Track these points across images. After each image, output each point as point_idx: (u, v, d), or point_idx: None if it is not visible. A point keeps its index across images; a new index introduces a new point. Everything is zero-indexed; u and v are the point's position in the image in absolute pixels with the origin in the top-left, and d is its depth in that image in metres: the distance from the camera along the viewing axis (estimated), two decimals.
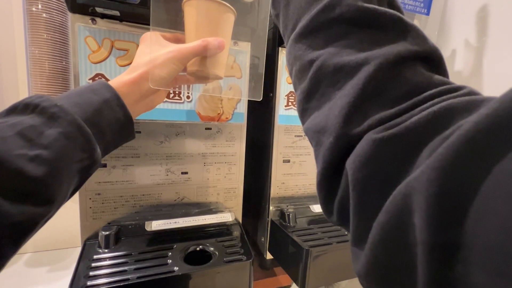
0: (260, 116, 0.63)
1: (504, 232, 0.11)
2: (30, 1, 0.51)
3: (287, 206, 0.61)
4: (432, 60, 0.20)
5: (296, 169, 0.62)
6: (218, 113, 0.53)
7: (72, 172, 0.29)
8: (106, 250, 0.44)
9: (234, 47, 0.51)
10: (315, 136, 0.22)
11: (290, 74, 0.27)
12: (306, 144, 0.62)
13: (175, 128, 0.51)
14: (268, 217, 0.61)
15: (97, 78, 0.44)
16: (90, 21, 0.42)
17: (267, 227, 0.61)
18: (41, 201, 0.26)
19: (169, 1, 0.39)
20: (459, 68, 0.62)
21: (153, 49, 0.36)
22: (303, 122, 0.25)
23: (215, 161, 0.55)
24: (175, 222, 0.51)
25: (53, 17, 0.53)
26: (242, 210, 0.60)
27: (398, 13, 0.21)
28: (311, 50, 0.23)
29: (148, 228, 0.49)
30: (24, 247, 0.26)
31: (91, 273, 0.39)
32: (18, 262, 0.64)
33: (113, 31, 0.44)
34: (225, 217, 0.55)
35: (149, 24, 0.37)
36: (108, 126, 0.32)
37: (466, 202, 0.13)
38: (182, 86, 0.50)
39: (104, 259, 0.42)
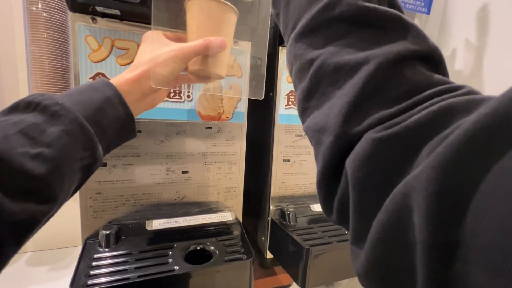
0: (261, 115, 0.63)
1: (504, 231, 0.11)
2: (30, 0, 0.51)
3: (287, 205, 0.61)
4: (432, 60, 0.20)
5: (296, 169, 0.62)
6: (219, 112, 0.53)
7: (74, 170, 0.29)
8: (106, 249, 0.44)
9: (234, 46, 0.51)
10: (315, 135, 0.22)
11: (290, 73, 0.27)
12: (306, 144, 0.62)
13: (176, 127, 0.51)
14: (268, 216, 0.61)
15: (97, 77, 0.44)
16: (90, 20, 0.42)
17: (267, 226, 0.61)
18: (43, 199, 0.26)
19: (171, 0, 0.39)
20: (459, 68, 0.61)
21: (154, 47, 0.36)
22: (303, 121, 0.25)
23: (215, 160, 0.55)
24: (176, 221, 0.51)
25: (53, 16, 0.53)
26: (242, 210, 0.60)
27: (398, 12, 0.21)
28: (311, 49, 0.23)
29: (148, 227, 0.49)
30: (24, 246, 0.26)
31: (92, 272, 0.39)
32: (19, 261, 0.64)
33: (114, 30, 0.44)
34: (226, 216, 0.55)
35: (149, 23, 0.37)
36: (110, 124, 0.32)
37: (465, 201, 0.13)
38: (183, 85, 0.50)
39: (105, 258, 0.43)
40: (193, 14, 0.36)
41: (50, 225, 0.29)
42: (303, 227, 0.57)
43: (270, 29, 0.43)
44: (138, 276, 0.39)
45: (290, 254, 0.54)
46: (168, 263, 0.42)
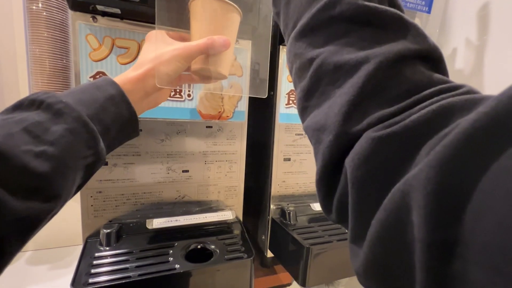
0: (261, 114, 0.63)
1: (503, 230, 0.11)
2: None
3: (288, 204, 0.61)
4: (432, 59, 0.20)
5: (296, 168, 0.62)
6: (219, 111, 0.53)
7: (77, 169, 0.29)
8: (107, 248, 0.44)
9: (235, 45, 0.51)
10: (314, 134, 0.22)
11: (291, 72, 0.27)
12: (306, 143, 0.62)
13: (176, 126, 0.51)
14: (268, 215, 0.61)
15: (98, 76, 0.44)
16: (91, 19, 0.42)
17: (268, 225, 0.61)
18: (46, 197, 0.26)
19: (175, 0, 0.39)
20: (460, 67, 0.61)
21: (158, 47, 0.36)
22: (303, 120, 0.25)
23: (216, 159, 0.55)
24: (176, 220, 0.51)
25: (53, 15, 0.53)
26: (243, 208, 0.60)
27: (398, 12, 0.21)
28: (311, 48, 0.23)
29: (149, 226, 0.49)
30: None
31: (93, 271, 0.39)
32: (20, 260, 0.64)
33: (114, 29, 0.44)
34: (226, 215, 0.55)
35: (149, 22, 0.37)
36: (113, 123, 0.32)
37: (464, 200, 0.13)
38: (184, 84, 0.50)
39: (106, 256, 0.43)
40: (197, 14, 0.37)
41: (51, 224, 0.30)
42: (304, 226, 0.57)
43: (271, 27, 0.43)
44: (139, 275, 0.39)
45: (291, 253, 0.54)
46: (169, 261, 0.43)
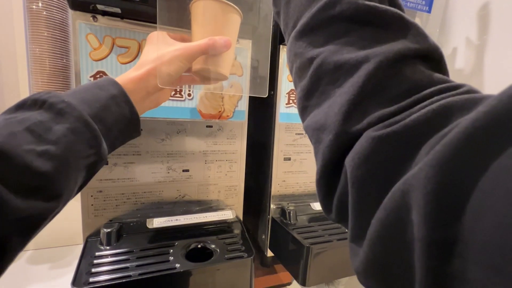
0: (261, 114, 0.63)
1: (502, 229, 0.11)
2: None
3: (288, 203, 0.61)
4: (432, 58, 0.20)
5: (296, 167, 0.62)
6: (219, 111, 0.53)
7: (79, 168, 0.29)
8: (108, 247, 0.45)
9: (235, 45, 0.51)
10: (314, 133, 0.22)
11: (291, 71, 0.27)
12: (306, 142, 0.62)
13: (176, 126, 0.51)
14: (269, 214, 0.61)
15: (98, 76, 0.44)
16: (91, 18, 0.42)
17: (268, 224, 0.61)
18: (48, 196, 0.26)
19: (176, 1, 0.39)
20: (460, 66, 0.61)
21: (160, 47, 0.36)
22: (303, 119, 0.25)
23: (216, 158, 0.55)
24: (176, 220, 0.51)
25: (53, 14, 0.53)
26: (243, 208, 0.60)
27: (398, 11, 0.21)
28: (312, 48, 0.23)
29: (149, 226, 0.49)
30: None
31: (93, 270, 0.39)
32: (20, 259, 0.64)
33: (114, 29, 0.44)
34: (226, 215, 0.55)
35: (150, 22, 0.37)
36: (115, 123, 0.32)
37: (464, 199, 0.13)
38: None
39: (106, 256, 0.43)
40: (198, 16, 0.37)
41: (52, 223, 0.30)
42: (304, 225, 0.57)
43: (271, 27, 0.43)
44: (139, 274, 0.39)
45: (291, 252, 0.54)
46: (169, 261, 0.43)
